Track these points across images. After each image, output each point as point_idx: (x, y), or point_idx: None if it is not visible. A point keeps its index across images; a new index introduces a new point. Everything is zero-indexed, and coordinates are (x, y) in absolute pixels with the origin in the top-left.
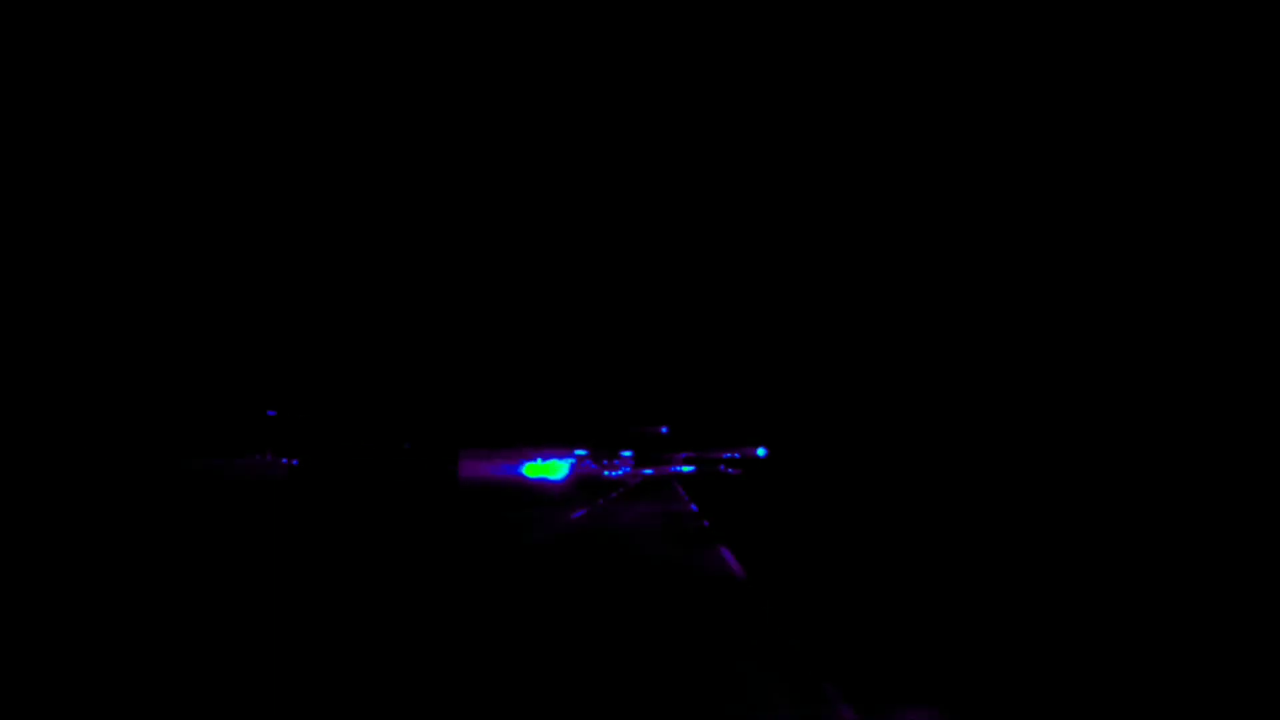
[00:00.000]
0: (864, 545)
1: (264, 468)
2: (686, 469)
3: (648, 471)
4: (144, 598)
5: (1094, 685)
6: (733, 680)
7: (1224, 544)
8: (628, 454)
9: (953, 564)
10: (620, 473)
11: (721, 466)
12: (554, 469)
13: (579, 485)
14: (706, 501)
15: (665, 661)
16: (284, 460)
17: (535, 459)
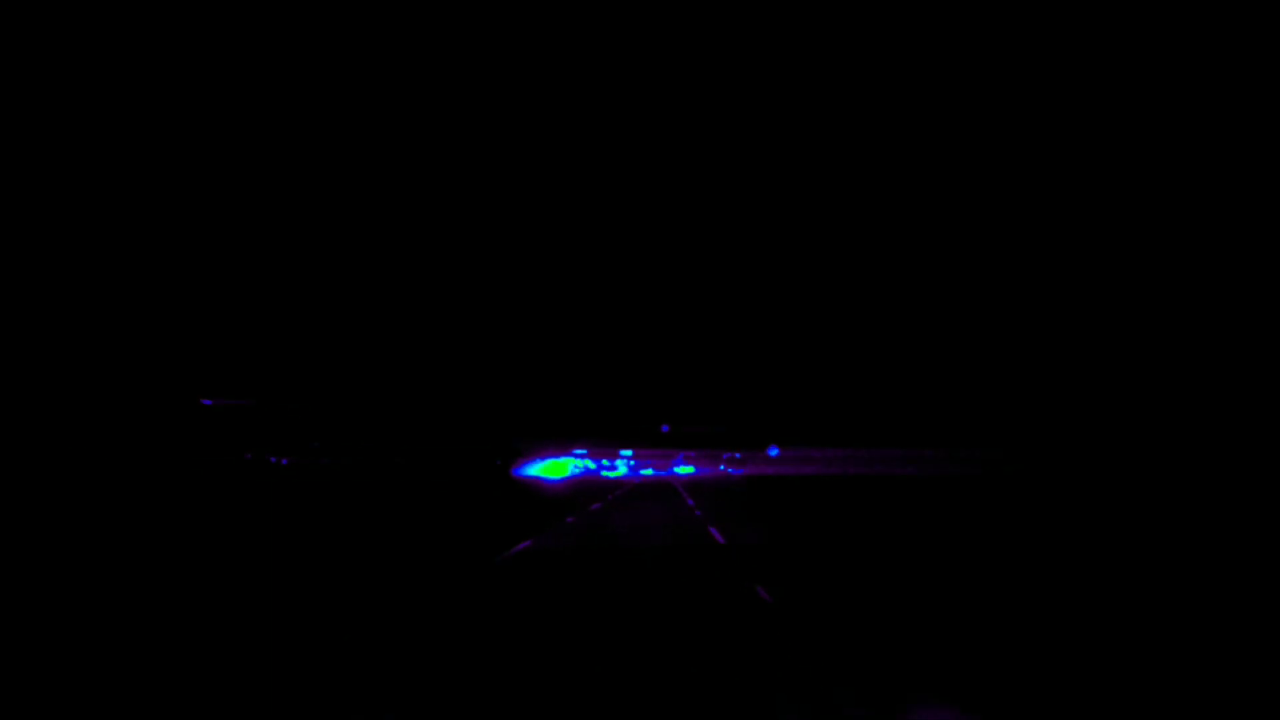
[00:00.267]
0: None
1: (255, 467)
2: (685, 470)
3: (646, 472)
4: (125, 601)
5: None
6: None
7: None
8: (627, 453)
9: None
10: (619, 474)
11: (722, 466)
12: (557, 469)
13: (575, 486)
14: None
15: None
16: (272, 459)
17: (536, 459)
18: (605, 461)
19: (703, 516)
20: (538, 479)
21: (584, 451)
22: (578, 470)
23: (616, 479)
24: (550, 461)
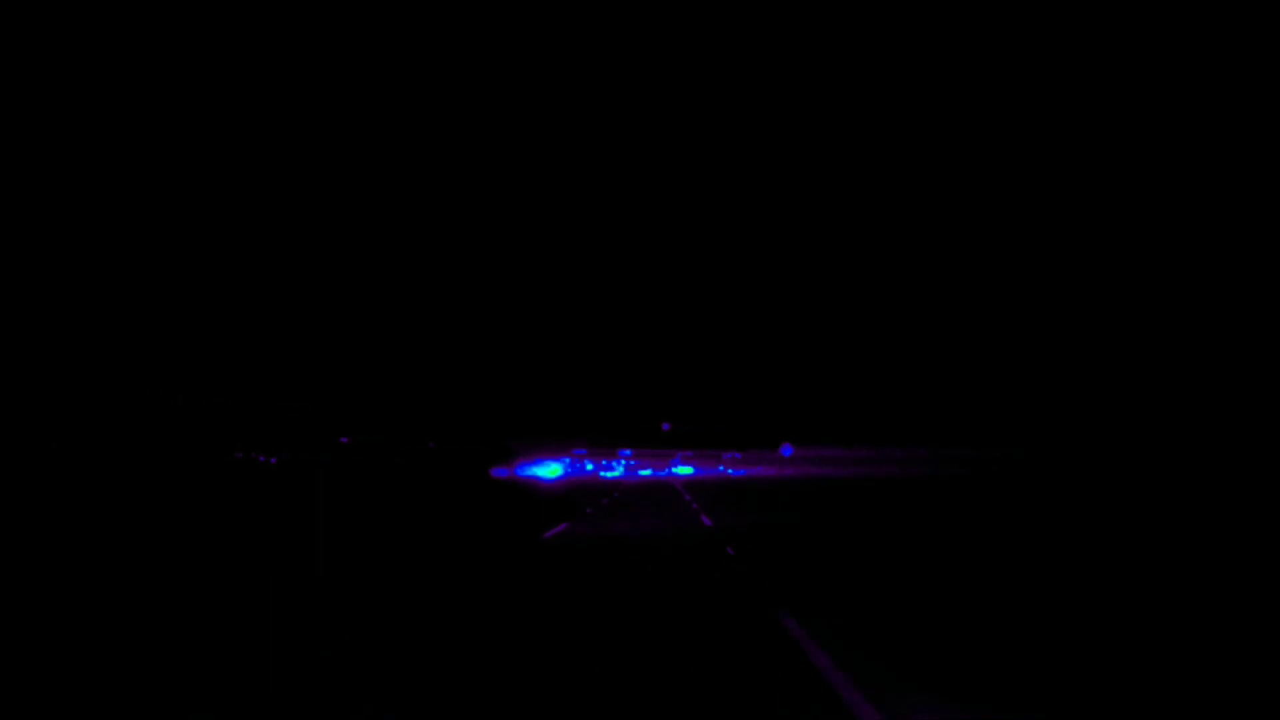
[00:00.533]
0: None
1: (243, 466)
2: (684, 470)
3: (644, 473)
4: (143, 598)
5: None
6: None
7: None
8: (626, 452)
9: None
10: (617, 474)
11: (721, 468)
12: (550, 470)
13: (570, 487)
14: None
15: None
16: (261, 459)
17: (529, 459)
18: (603, 461)
19: (714, 526)
20: (533, 478)
21: (584, 450)
22: (567, 471)
23: (614, 479)
24: (544, 463)
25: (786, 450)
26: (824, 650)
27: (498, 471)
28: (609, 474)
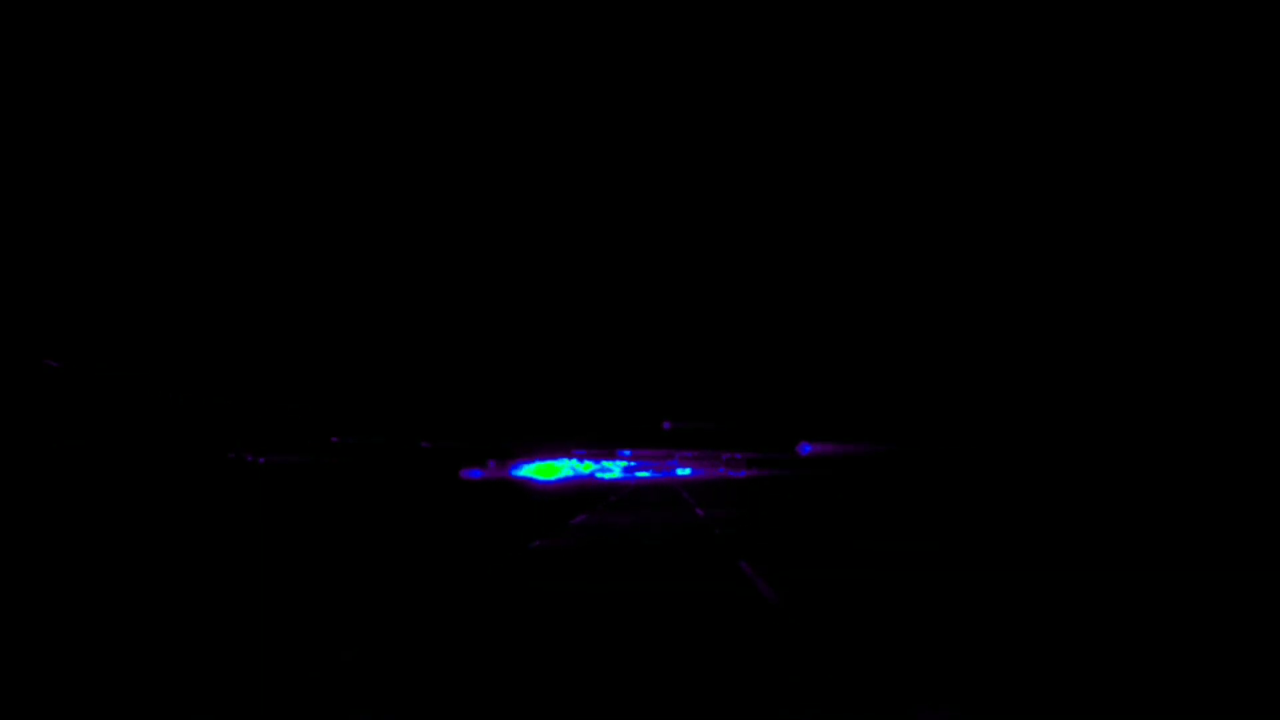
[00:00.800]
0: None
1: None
2: (683, 471)
3: (642, 474)
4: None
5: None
6: None
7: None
8: (626, 453)
9: None
10: (614, 475)
11: (722, 470)
12: (550, 471)
13: (566, 489)
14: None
15: None
16: (249, 458)
17: (528, 461)
18: (601, 463)
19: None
20: (528, 480)
21: (582, 451)
22: (567, 474)
23: (611, 481)
24: (539, 464)
25: (805, 449)
26: (759, 575)
27: (471, 473)
28: (607, 475)
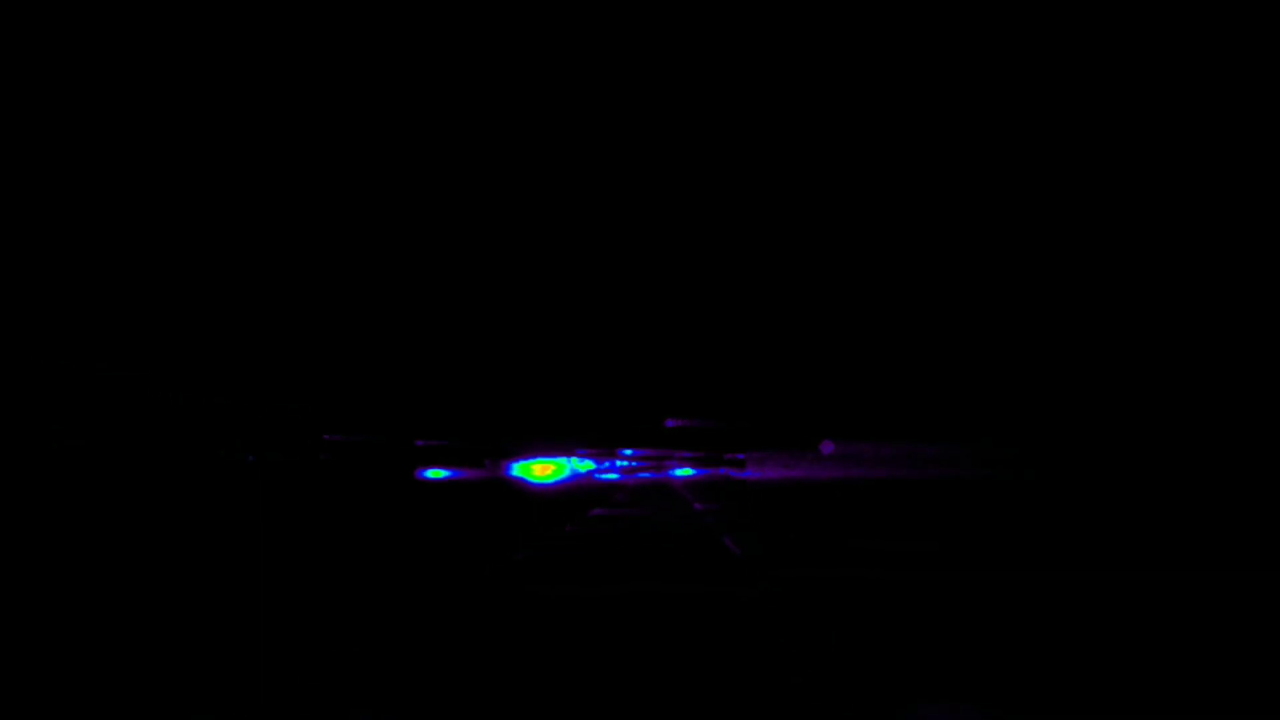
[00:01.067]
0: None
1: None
2: (683, 472)
3: (644, 475)
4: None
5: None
6: None
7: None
8: (626, 452)
9: None
10: (613, 476)
11: (723, 470)
12: (547, 470)
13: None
14: None
15: None
16: (242, 456)
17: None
18: (602, 463)
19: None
20: (524, 481)
21: (584, 450)
22: (565, 474)
23: (611, 481)
24: (536, 463)
25: (827, 448)
26: (736, 546)
27: (463, 473)
28: (606, 476)
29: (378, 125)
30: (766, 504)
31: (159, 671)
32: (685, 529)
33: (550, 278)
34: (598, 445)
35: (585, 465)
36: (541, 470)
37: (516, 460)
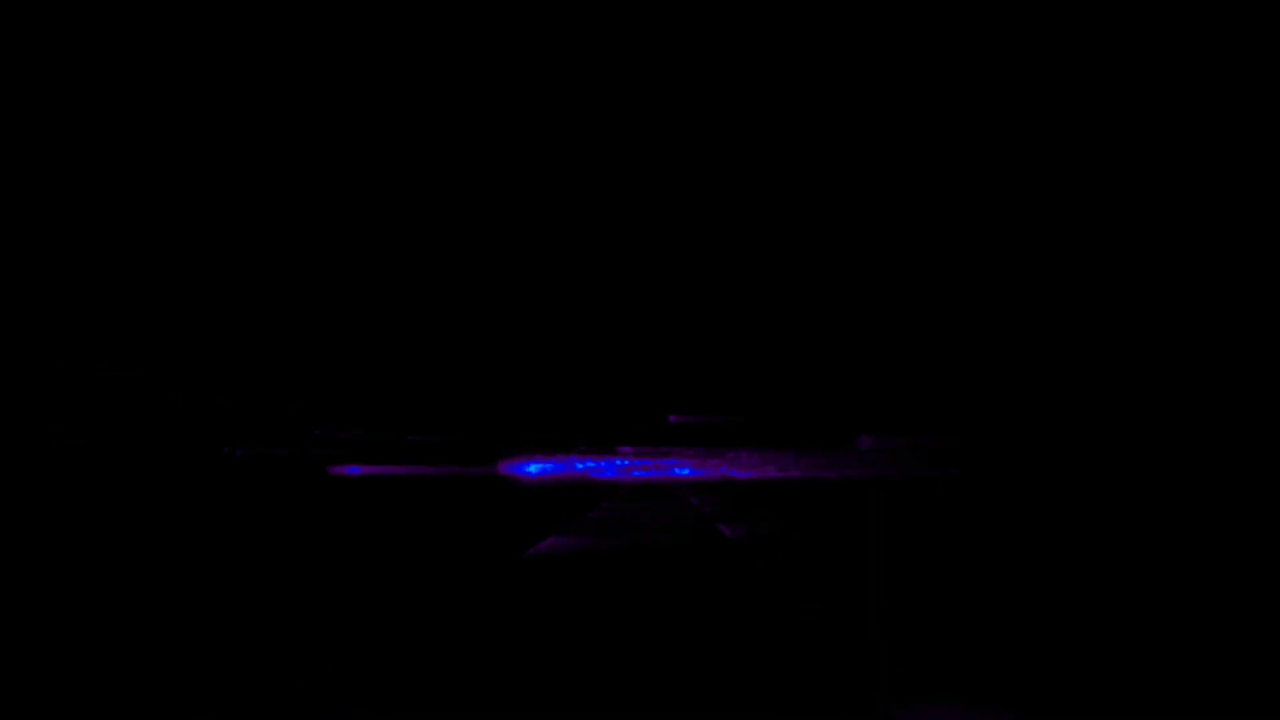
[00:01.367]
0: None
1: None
2: (683, 471)
3: (641, 474)
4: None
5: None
6: None
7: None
8: (627, 450)
9: None
10: (610, 476)
11: (724, 469)
12: (544, 470)
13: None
14: None
15: None
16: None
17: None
18: (601, 463)
19: None
20: (518, 480)
21: (585, 449)
22: (564, 473)
23: (609, 480)
24: (533, 462)
25: (864, 442)
26: (728, 528)
27: (343, 469)
28: (604, 475)
29: (377, 125)
30: (765, 500)
31: (158, 671)
32: (685, 519)
33: (551, 272)
34: (597, 443)
35: (585, 464)
36: (537, 471)
37: (512, 458)
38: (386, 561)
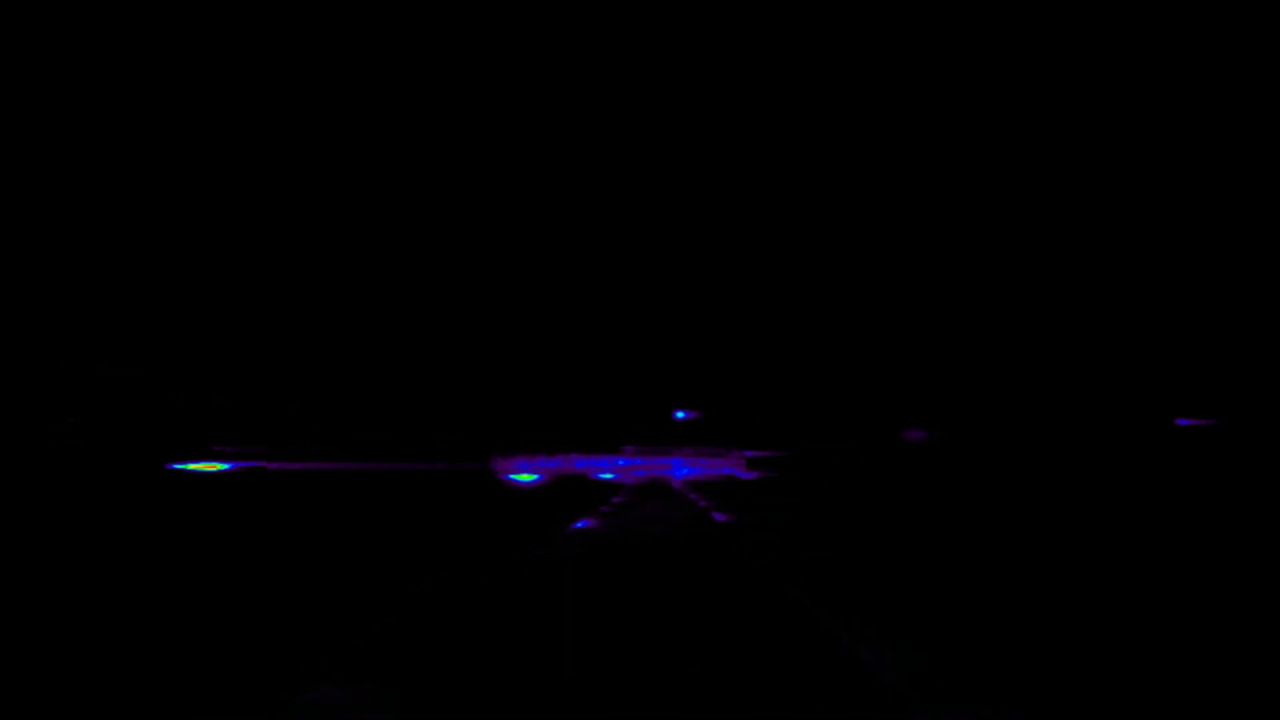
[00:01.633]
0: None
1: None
2: (685, 471)
3: (641, 473)
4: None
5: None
6: None
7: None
8: (630, 448)
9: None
10: (612, 475)
11: (725, 469)
12: (542, 469)
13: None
14: None
15: None
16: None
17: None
18: (601, 461)
19: None
20: (516, 479)
21: (582, 448)
22: (562, 473)
23: (610, 480)
24: (532, 463)
25: (915, 436)
26: (722, 516)
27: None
28: (605, 475)
29: (377, 125)
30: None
31: (158, 672)
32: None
33: (553, 269)
34: (597, 442)
35: (584, 464)
36: (537, 469)
37: (511, 458)
38: (401, 559)
